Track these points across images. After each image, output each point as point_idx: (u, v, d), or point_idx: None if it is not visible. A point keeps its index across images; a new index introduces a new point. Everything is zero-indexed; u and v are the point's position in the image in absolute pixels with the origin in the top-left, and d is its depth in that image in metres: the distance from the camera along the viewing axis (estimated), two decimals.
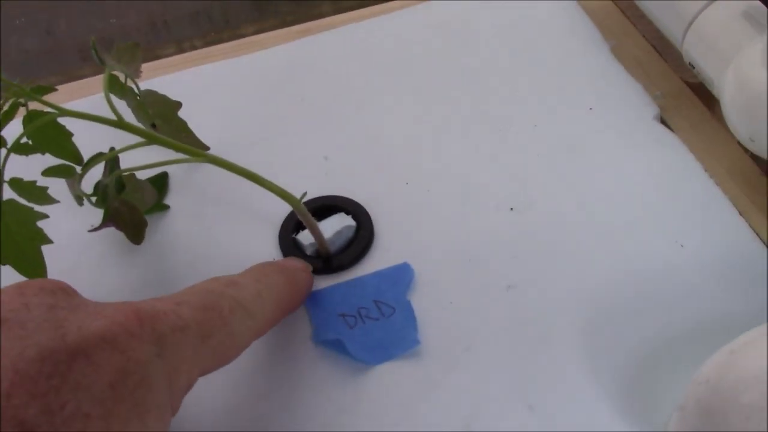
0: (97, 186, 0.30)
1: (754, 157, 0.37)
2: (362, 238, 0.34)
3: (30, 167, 0.29)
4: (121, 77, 0.33)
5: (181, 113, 0.35)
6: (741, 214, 0.34)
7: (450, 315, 0.32)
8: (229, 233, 0.35)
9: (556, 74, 0.41)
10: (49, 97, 0.28)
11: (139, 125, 0.33)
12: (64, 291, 0.22)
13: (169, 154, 0.29)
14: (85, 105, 0.29)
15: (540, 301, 0.32)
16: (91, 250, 0.35)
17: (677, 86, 0.41)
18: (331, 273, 0.33)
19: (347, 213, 0.35)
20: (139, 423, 0.20)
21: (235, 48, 0.45)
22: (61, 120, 0.28)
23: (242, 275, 0.28)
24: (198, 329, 0.24)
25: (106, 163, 0.31)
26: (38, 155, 0.29)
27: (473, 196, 0.36)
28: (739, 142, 0.34)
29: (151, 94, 0.34)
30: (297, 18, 0.50)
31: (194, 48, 0.47)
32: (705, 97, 0.40)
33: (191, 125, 0.36)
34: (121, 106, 0.31)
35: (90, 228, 0.33)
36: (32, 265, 0.29)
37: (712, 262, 0.33)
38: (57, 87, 0.29)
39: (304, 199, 0.32)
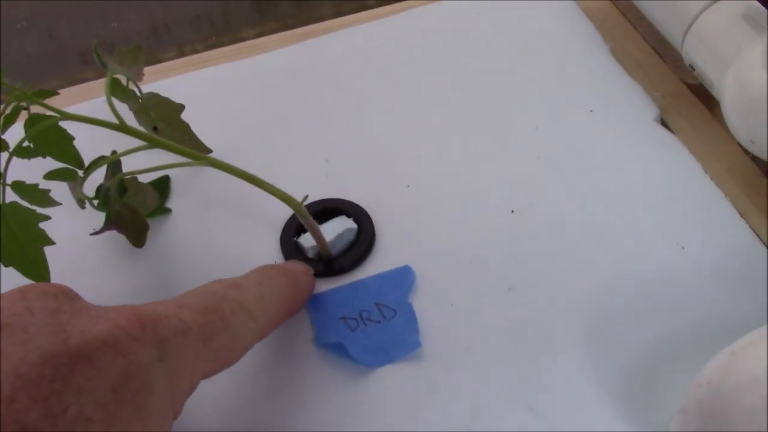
0: (99, 189, 0.30)
1: (755, 159, 0.37)
2: (363, 240, 0.34)
3: (32, 170, 0.29)
4: (123, 80, 0.33)
5: (183, 117, 0.35)
6: (741, 216, 0.34)
7: (451, 317, 0.32)
8: (230, 236, 0.35)
9: (556, 76, 0.41)
10: (51, 101, 0.28)
11: (141, 128, 0.33)
12: (67, 295, 0.22)
13: (171, 158, 0.29)
14: (86, 108, 0.29)
15: (541, 302, 0.32)
16: (93, 253, 0.35)
17: (677, 88, 0.41)
18: (333, 276, 0.33)
19: (348, 216, 0.35)
20: (141, 426, 0.20)
21: (236, 51, 0.45)
22: (63, 123, 0.28)
23: (244, 277, 0.28)
24: (200, 332, 0.24)
25: (108, 166, 0.31)
26: (40, 158, 0.29)
27: (474, 198, 0.36)
28: (739, 144, 0.34)
29: (154, 97, 0.34)
30: (298, 21, 0.50)
31: (195, 51, 0.47)
32: (705, 98, 0.40)
33: (192, 129, 0.36)
34: (123, 109, 0.32)
35: (92, 231, 0.33)
36: (35, 267, 0.29)
37: (713, 264, 0.33)
38: (59, 90, 0.29)
39: (306, 202, 0.32)
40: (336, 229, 0.34)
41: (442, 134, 0.39)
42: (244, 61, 0.44)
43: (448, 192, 0.36)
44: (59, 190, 0.30)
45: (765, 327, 0.25)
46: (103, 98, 0.29)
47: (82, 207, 0.30)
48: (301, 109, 0.41)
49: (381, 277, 0.33)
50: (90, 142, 0.31)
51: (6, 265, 0.29)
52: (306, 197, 0.32)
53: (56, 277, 0.29)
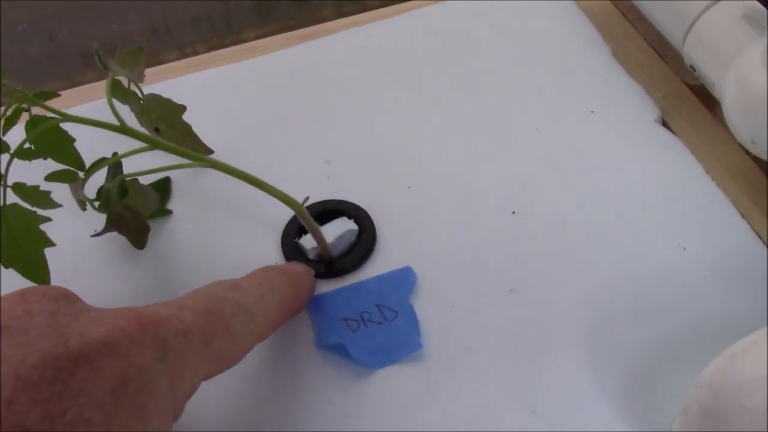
0: (99, 191, 0.30)
1: (756, 159, 0.37)
2: (364, 242, 0.34)
3: (33, 172, 0.29)
4: (124, 82, 0.33)
5: (184, 118, 0.35)
6: (742, 216, 0.34)
7: (452, 318, 0.32)
8: (231, 238, 0.35)
9: (556, 77, 0.41)
10: (52, 103, 0.28)
11: (142, 130, 0.33)
12: (67, 297, 0.22)
13: (172, 159, 0.29)
14: (87, 110, 0.29)
15: (542, 303, 0.32)
16: (94, 255, 0.35)
17: (678, 88, 0.41)
18: (334, 277, 0.33)
19: (349, 217, 0.35)
20: (140, 428, 0.20)
21: (237, 53, 0.45)
22: (64, 125, 0.28)
23: (245, 278, 0.28)
24: (200, 333, 0.24)
25: (108, 167, 0.31)
26: (41, 160, 0.29)
27: (475, 199, 0.36)
28: (740, 144, 0.34)
29: (155, 98, 0.34)
30: (298, 22, 0.50)
31: (196, 53, 0.47)
32: (706, 99, 0.40)
33: (193, 130, 0.36)
34: (125, 110, 0.32)
35: (93, 233, 0.33)
36: (35, 269, 0.29)
37: (714, 264, 0.33)
38: (60, 92, 0.29)
39: (307, 204, 0.32)
40: (337, 230, 0.34)
41: (442, 135, 0.39)
42: (245, 62, 0.44)
43: (448, 193, 0.36)
44: (60, 191, 0.30)
45: (765, 328, 0.25)
46: (104, 100, 0.29)
47: (83, 209, 0.30)
48: (301, 110, 0.41)
49: (382, 279, 0.33)
50: (91, 144, 0.31)
51: (6, 267, 0.29)
52: (307, 198, 0.32)
53: (57, 278, 0.29)
